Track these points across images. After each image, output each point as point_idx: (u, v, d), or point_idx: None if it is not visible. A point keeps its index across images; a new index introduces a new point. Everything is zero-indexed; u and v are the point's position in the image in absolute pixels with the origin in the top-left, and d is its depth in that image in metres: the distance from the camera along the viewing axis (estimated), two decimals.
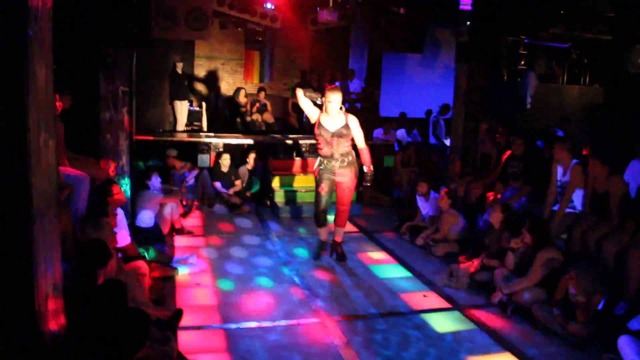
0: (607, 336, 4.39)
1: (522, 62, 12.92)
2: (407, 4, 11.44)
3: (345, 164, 6.07)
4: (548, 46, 12.76)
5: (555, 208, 6.11)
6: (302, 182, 9.21)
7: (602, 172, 5.61)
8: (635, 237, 5.12)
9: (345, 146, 6.02)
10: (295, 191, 9.11)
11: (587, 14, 10.13)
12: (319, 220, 6.35)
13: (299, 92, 6.09)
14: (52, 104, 2.90)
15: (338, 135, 5.92)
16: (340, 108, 5.90)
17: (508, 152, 7.38)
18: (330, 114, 5.88)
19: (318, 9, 11.13)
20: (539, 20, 10.30)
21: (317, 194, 6.23)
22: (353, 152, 6.14)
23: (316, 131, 6.03)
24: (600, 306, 4.71)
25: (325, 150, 6.04)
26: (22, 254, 2.66)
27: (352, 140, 6.06)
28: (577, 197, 5.97)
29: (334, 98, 5.81)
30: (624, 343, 4.10)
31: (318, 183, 6.20)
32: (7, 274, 2.67)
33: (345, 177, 6.10)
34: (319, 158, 6.21)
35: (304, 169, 9.49)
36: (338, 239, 6.49)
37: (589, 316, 4.56)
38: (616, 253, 5.15)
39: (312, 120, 6.09)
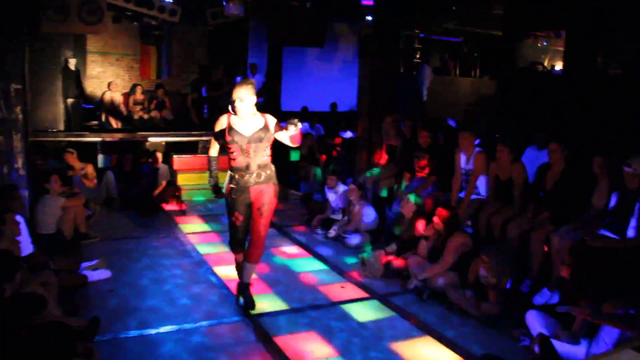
0: (516, 313, 4.69)
1: (418, 56, 13.50)
2: None
3: (263, 178, 4.77)
4: (441, 40, 13.43)
5: (461, 195, 6.41)
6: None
7: (507, 159, 5.93)
8: (535, 220, 5.48)
9: (264, 155, 4.75)
10: (201, 189, 8.94)
11: (478, 11, 10.72)
12: (236, 251, 5.12)
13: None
14: None
15: (256, 140, 4.65)
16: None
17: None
18: (243, 115, 4.64)
19: (224, 2, 10.91)
20: (432, 15, 10.77)
21: (232, 225, 4.93)
22: (272, 166, 4.89)
23: (227, 138, 4.66)
24: (508, 285, 5.03)
25: (239, 160, 4.69)
26: None
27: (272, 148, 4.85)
28: (481, 184, 6.29)
29: (245, 94, 4.56)
30: (531, 317, 4.42)
31: (231, 210, 4.87)
32: None
33: (263, 196, 4.80)
34: (228, 173, 4.83)
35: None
36: (246, 279, 5.03)
37: (499, 296, 4.83)
38: (519, 235, 5.50)
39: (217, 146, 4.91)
